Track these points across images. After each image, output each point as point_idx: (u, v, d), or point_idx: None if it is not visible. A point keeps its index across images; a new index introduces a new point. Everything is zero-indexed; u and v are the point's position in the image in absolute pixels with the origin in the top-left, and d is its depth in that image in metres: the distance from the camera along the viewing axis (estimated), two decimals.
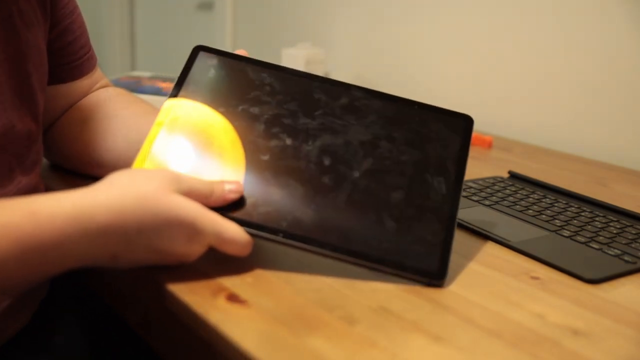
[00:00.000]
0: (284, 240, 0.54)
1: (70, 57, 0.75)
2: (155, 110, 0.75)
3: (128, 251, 0.51)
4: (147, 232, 0.50)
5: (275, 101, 0.61)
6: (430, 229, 0.55)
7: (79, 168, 0.77)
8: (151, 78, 1.21)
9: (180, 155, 0.57)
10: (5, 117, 0.61)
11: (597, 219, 0.72)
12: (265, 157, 0.57)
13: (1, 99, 0.60)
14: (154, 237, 0.51)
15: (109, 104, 0.77)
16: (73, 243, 0.48)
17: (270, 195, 0.56)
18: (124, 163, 0.68)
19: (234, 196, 0.55)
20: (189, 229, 0.51)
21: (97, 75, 0.81)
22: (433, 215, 0.56)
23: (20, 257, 0.46)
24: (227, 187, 0.55)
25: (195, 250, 0.53)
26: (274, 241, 0.54)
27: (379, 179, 0.57)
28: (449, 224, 0.56)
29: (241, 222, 0.54)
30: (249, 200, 0.55)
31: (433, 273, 0.54)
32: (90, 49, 0.78)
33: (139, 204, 0.50)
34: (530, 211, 0.73)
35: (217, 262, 0.57)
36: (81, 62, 0.76)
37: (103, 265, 0.52)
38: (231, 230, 0.53)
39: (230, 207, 0.55)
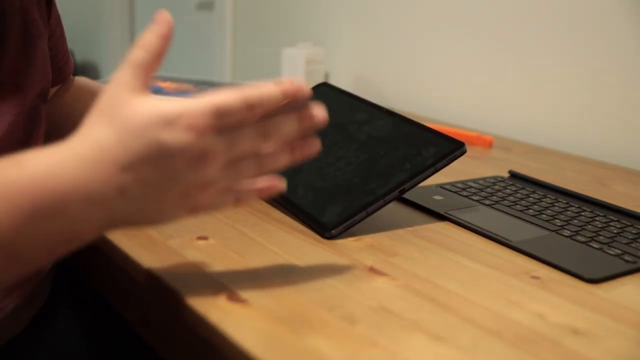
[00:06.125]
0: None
1: (57, 62, 0.75)
2: None
3: (137, 181, 0.43)
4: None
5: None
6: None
7: None
8: None
9: None
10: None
11: (597, 218, 0.72)
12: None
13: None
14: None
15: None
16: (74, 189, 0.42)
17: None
18: None
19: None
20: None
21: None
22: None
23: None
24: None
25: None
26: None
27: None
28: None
29: None
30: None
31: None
32: (68, 54, 0.79)
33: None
34: (531, 211, 0.73)
35: (218, 262, 0.57)
36: (63, 67, 0.77)
37: (130, 218, 0.45)
38: None
39: None
